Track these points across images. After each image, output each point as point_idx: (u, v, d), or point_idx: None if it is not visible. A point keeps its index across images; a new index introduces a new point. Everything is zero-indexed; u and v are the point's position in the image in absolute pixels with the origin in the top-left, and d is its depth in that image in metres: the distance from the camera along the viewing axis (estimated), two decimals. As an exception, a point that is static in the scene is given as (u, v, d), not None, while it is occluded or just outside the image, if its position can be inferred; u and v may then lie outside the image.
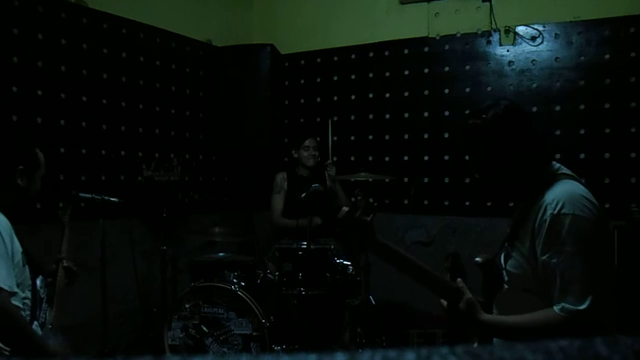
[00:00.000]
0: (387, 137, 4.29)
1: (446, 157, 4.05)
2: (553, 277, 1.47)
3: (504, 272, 1.65)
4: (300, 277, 3.25)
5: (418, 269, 1.52)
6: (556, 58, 3.72)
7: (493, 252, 1.73)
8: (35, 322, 2.04)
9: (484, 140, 1.59)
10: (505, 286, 1.65)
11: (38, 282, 2.12)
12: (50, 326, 2.13)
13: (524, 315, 1.55)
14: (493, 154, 1.58)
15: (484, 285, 1.68)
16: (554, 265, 1.47)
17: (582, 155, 3.59)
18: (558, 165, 1.65)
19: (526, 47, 3.81)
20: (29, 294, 2.04)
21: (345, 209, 1.40)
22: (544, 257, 1.49)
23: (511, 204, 3.69)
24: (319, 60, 4.55)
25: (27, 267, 2.04)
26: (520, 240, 1.59)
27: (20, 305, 1.96)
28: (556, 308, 1.46)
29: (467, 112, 1.70)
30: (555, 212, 1.47)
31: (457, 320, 1.55)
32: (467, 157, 1.72)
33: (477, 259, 1.64)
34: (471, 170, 1.70)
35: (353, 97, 4.42)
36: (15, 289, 1.91)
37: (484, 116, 1.59)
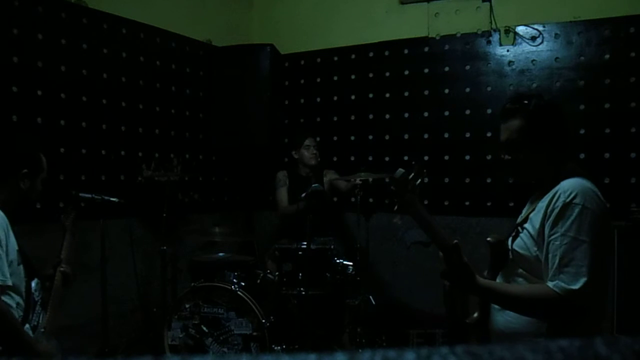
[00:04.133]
0: (387, 137, 4.29)
1: (446, 157, 4.05)
2: (552, 258, 1.57)
3: (510, 252, 1.75)
4: (300, 277, 3.25)
5: (436, 231, 1.76)
6: (556, 58, 3.71)
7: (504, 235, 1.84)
8: (27, 325, 2.01)
9: (520, 122, 1.68)
10: (509, 265, 1.77)
11: (33, 284, 2.09)
12: (42, 330, 2.09)
13: (520, 286, 1.68)
14: (524, 136, 1.68)
15: (491, 264, 1.81)
16: (555, 247, 1.56)
17: (582, 155, 3.59)
18: (574, 165, 1.75)
19: (526, 47, 3.81)
20: (22, 295, 2.01)
21: (402, 170, 1.62)
22: (549, 239, 1.59)
23: (511, 204, 3.70)
24: (319, 60, 4.55)
25: (21, 267, 2.02)
26: (532, 223, 1.68)
27: (13, 305, 1.93)
28: (550, 284, 1.55)
29: (509, 96, 1.84)
30: (568, 200, 1.57)
31: (450, 279, 1.64)
32: (499, 138, 1.79)
33: (488, 238, 1.79)
34: (500, 151, 1.78)
35: (353, 97, 4.42)
36: (9, 282, 1.89)
37: (526, 102, 1.69)
